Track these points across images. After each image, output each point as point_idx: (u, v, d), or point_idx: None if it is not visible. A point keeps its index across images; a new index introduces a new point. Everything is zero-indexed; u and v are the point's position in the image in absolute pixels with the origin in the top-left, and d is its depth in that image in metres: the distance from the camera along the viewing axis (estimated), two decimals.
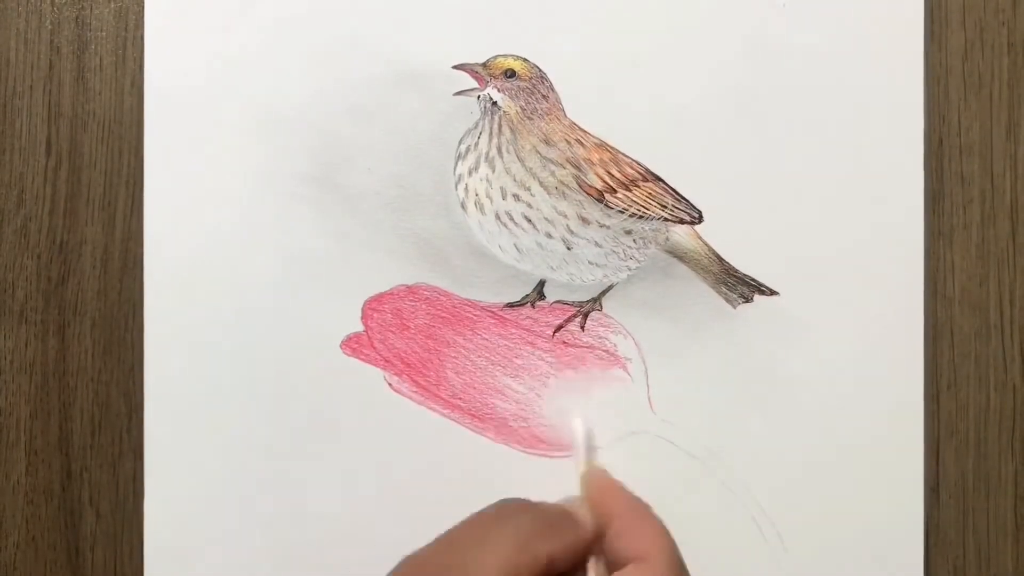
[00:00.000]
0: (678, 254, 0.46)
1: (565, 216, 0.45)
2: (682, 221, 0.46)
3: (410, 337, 0.46)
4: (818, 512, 0.45)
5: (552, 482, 0.45)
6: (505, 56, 0.46)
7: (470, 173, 0.45)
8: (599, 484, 0.42)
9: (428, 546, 0.39)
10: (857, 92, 0.46)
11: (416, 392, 0.46)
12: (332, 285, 0.46)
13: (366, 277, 0.46)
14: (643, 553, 0.39)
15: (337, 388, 0.46)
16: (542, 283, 0.46)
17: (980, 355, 0.46)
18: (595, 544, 0.40)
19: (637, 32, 0.46)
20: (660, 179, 0.46)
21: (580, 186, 0.45)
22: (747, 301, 0.46)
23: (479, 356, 0.46)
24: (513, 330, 0.46)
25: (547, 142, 0.45)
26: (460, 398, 0.46)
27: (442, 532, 0.39)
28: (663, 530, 0.40)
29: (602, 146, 0.46)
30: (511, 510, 0.39)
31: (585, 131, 0.46)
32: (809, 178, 0.46)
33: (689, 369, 0.46)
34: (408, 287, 0.46)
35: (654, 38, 0.46)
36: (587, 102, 0.46)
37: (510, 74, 0.45)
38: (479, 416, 0.46)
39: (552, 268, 0.46)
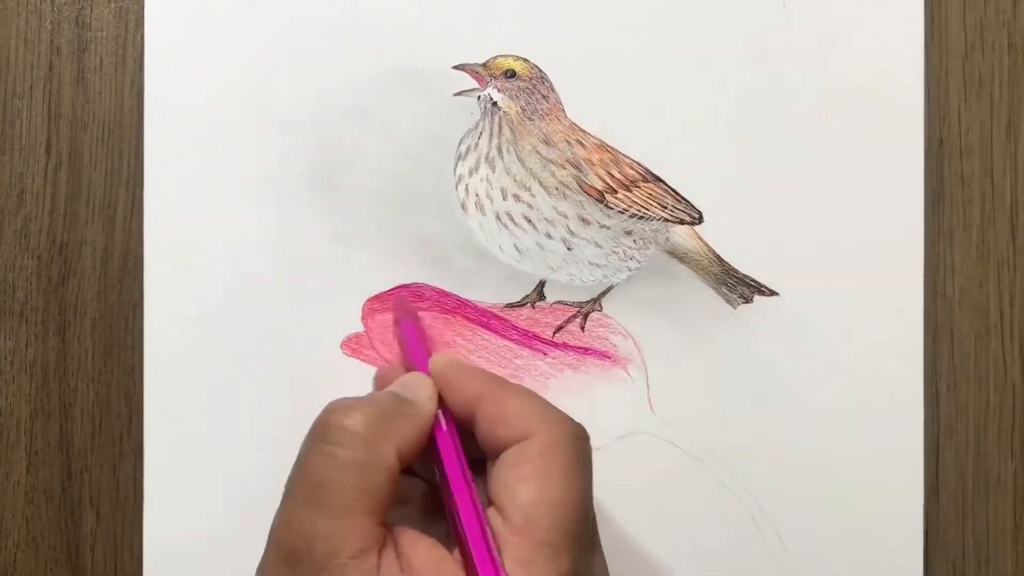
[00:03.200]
0: (678, 255, 0.46)
1: (565, 217, 0.45)
2: (682, 222, 0.46)
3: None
4: (818, 512, 0.45)
5: None
6: (505, 56, 0.46)
7: (470, 173, 0.45)
8: (451, 363, 0.39)
9: (282, 502, 0.35)
10: (857, 92, 0.46)
11: None
12: (332, 285, 0.46)
13: (366, 277, 0.46)
14: (523, 431, 0.35)
15: (337, 388, 0.46)
16: (542, 284, 0.46)
17: (980, 355, 0.46)
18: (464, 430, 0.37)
19: (637, 32, 0.46)
20: (660, 180, 0.46)
21: (580, 187, 0.45)
22: (747, 301, 0.46)
23: (479, 357, 0.46)
24: (513, 331, 0.46)
25: (547, 142, 0.45)
26: None
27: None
28: (544, 402, 0.36)
29: (602, 147, 0.46)
30: (340, 415, 0.35)
31: (585, 131, 0.46)
32: (809, 178, 0.46)
33: (689, 369, 0.46)
34: (408, 287, 0.46)
35: (654, 38, 0.46)
36: (587, 102, 0.46)
37: (510, 74, 0.45)
38: None
39: (552, 269, 0.46)
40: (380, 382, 0.43)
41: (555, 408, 0.36)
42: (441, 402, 0.38)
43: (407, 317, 0.44)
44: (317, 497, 0.34)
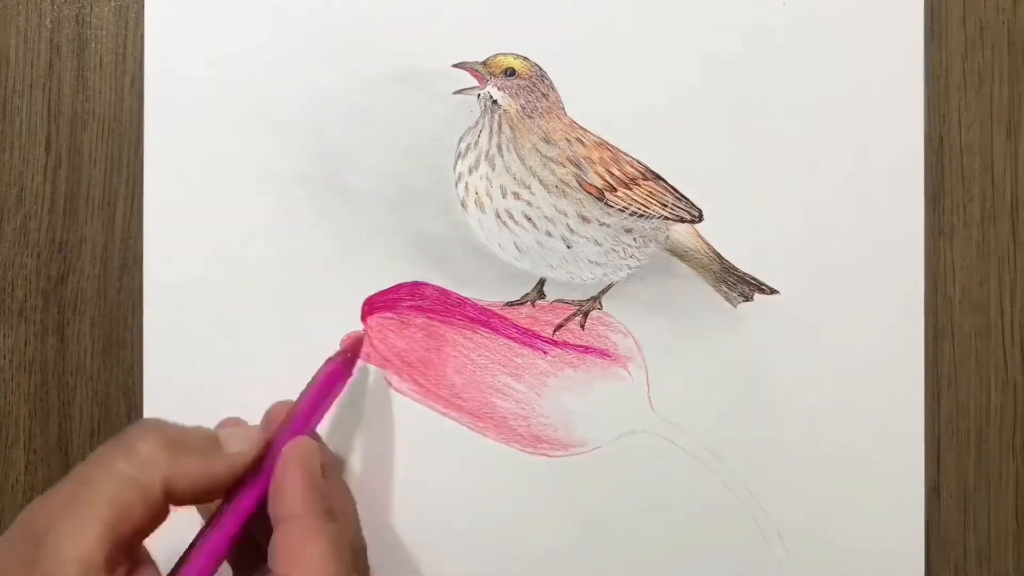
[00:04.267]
0: (678, 253, 0.46)
1: (565, 214, 0.45)
2: (682, 220, 0.46)
3: (410, 336, 0.46)
4: (818, 512, 0.45)
5: (553, 481, 0.45)
6: (505, 55, 0.46)
7: (470, 171, 0.45)
8: (300, 460, 0.38)
9: (61, 481, 0.36)
10: (857, 92, 0.46)
11: (416, 391, 0.46)
12: (332, 285, 0.46)
13: (366, 277, 0.46)
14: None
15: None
16: (542, 282, 0.46)
17: (980, 355, 0.46)
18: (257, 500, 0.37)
19: (637, 31, 0.46)
20: (660, 177, 0.46)
21: (580, 184, 0.45)
22: (747, 300, 0.46)
23: (479, 355, 0.46)
24: (513, 329, 0.46)
25: (547, 140, 0.45)
26: (460, 397, 0.46)
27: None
28: (330, 556, 0.36)
29: (602, 144, 0.46)
30: (137, 431, 0.36)
31: (585, 129, 0.46)
32: (809, 177, 0.46)
33: (689, 368, 0.46)
34: (408, 286, 0.46)
35: (654, 37, 0.46)
36: (587, 101, 0.46)
37: (510, 72, 0.45)
38: (479, 415, 0.46)
39: (552, 267, 0.46)
40: (268, 415, 0.42)
41: (343, 565, 0.36)
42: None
43: (340, 363, 0.43)
44: (75, 490, 0.34)
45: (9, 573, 0.33)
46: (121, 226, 0.47)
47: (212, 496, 0.37)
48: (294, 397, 0.45)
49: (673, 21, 0.46)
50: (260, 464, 0.38)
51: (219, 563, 0.37)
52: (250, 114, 0.46)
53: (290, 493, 0.38)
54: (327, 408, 0.42)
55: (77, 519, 0.34)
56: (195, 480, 0.36)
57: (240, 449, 0.38)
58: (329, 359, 0.43)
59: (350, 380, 0.44)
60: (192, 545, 0.37)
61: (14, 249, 0.47)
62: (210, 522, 0.37)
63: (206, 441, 0.38)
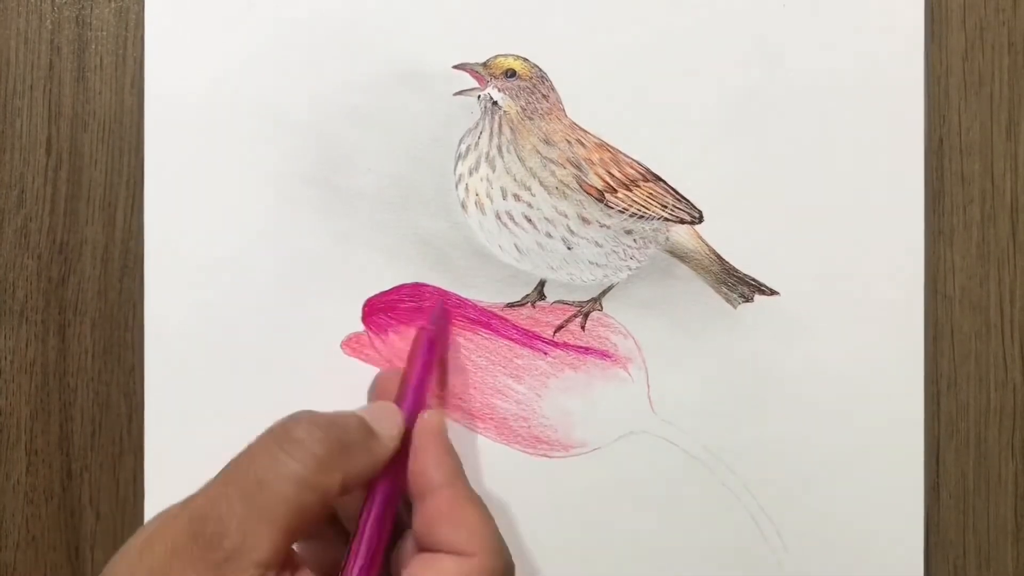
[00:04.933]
0: (678, 254, 0.46)
1: (565, 216, 0.45)
2: (682, 221, 0.46)
3: (410, 337, 0.46)
4: (818, 512, 0.45)
5: (553, 482, 0.46)
6: (505, 56, 0.46)
7: (470, 173, 0.45)
8: (435, 430, 0.39)
9: (214, 478, 0.36)
10: (857, 92, 0.46)
11: None
12: (332, 285, 0.46)
13: (366, 277, 0.46)
14: (465, 547, 0.36)
15: (337, 388, 0.46)
16: (542, 283, 0.46)
17: (980, 355, 0.46)
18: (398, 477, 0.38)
19: (638, 32, 0.46)
20: (660, 179, 0.46)
21: (580, 186, 0.45)
22: (747, 301, 0.46)
23: (479, 356, 0.46)
24: (513, 330, 0.46)
25: (547, 142, 0.45)
26: (460, 398, 0.46)
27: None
28: (492, 526, 0.37)
29: (603, 146, 0.46)
30: (303, 428, 0.35)
31: (585, 131, 0.46)
32: (809, 178, 0.46)
33: (689, 369, 0.46)
34: (408, 287, 0.46)
35: (655, 38, 0.46)
36: (587, 102, 0.46)
37: (511, 74, 0.45)
38: (479, 416, 0.46)
39: (552, 268, 0.46)
40: (378, 388, 0.43)
41: (498, 536, 0.37)
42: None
43: (435, 331, 0.43)
44: (250, 492, 0.34)
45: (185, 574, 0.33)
46: (122, 227, 0.47)
47: (369, 480, 0.37)
48: (294, 397, 0.45)
49: (673, 22, 0.46)
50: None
51: (382, 552, 0.37)
52: (250, 115, 0.46)
53: (434, 465, 0.38)
54: (434, 377, 0.42)
55: (256, 524, 0.33)
56: (363, 472, 0.36)
57: (389, 432, 0.38)
58: (422, 328, 0.43)
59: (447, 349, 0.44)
60: (352, 537, 0.37)
61: (15, 250, 0.47)
62: (362, 513, 0.37)
63: (363, 431, 0.37)
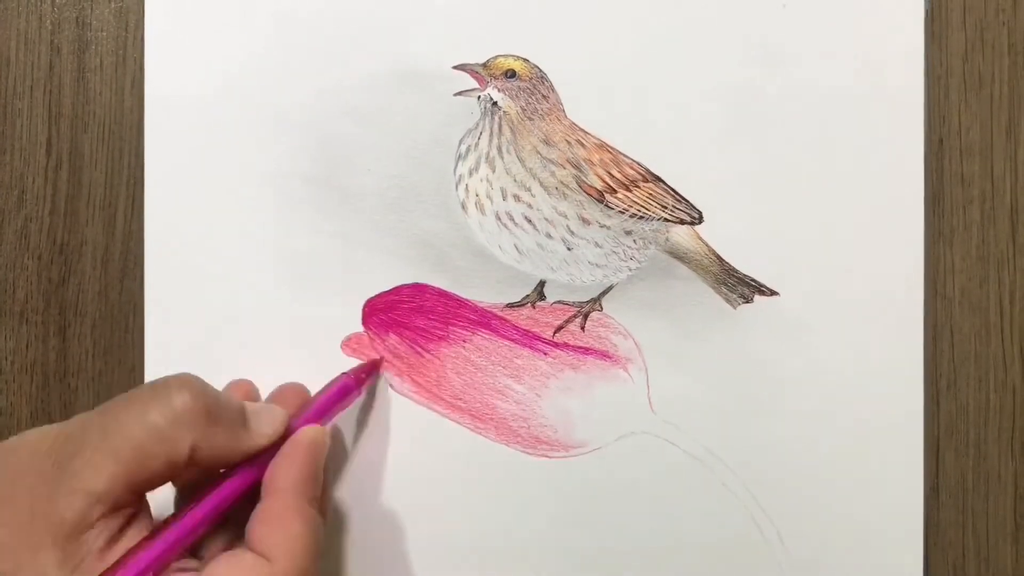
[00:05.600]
0: (678, 254, 0.46)
1: (565, 216, 0.45)
2: (682, 221, 0.46)
3: (410, 337, 0.46)
4: (818, 512, 0.45)
5: (553, 483, 0.46)
6: (505, 56, 0.46)
7: (470, 173, 0.45)
8: (308, 442, 0.39)
9: (92, 410, 0.37)
10: (857, 92, 0.46)
11: (417, 392, 0.46)
12: (332, 285, 0.46)
13: (366, 277, 0.46)
14: (271, 552, 0.36)
15: None
16: (542, 283, 0.46)
17: (980, 355, 0.46)
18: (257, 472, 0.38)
19: (637, 32, 0.46)
20: (660, 179, 0.46)
21: (580, 186, 0.45)
22: (747, 301, 0.46)
23: (479, 356, 0.46)
24: (513, 331, 0.46)
25: (547, 142, 0.45)
26: (460, 398, 0.46)
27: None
28: (310, 545, 0.37)
29: (602, 146, 0.46)
30: (176, 384, 0.36)
31: (585, 131, 0.46)
32: (809, 178, 0.46)
33: (689, 369, 0.46)
34: (408, 287, 0.46)
35: (654, 38, 0.46)
36: (587, 102, 0.46)
37: (510, 74, 0.45)
38: (479, 416, 0.46)
39: (552, 268, 0.46)
40: (273, 397, 0.43)
41: (311, 556, 0.37)
42: None
43: (356, 383, 0.44)
44: (109, 426, 0.35)
45: (29, 483, 0.34)
46: (122, 228, 0.47)
47: (225, 467, 0.38)
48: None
49: (673, 22, 0.46)
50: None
51: (206, 526, 0.37)
52: (250, 115, 0.46)
53: (288, 469, 0.38)
54: (331, 417, 0.43)
55: (99, 454, 0.35)
56: (219, 452, 0.37)
57: (266, 431, 0.39)
58: (344, 373, 0.44)
59: (357, 399, 0.45)
60: (182, 505, 0.38)
61: (15, 251, 0.47)
62: (210, 485, 0.38)
63: (237, 414, 0.38)
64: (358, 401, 0.45)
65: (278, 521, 0.37)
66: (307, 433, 0.40)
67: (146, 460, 0.35)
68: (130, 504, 0.36)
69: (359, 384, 0.44)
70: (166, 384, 0.36)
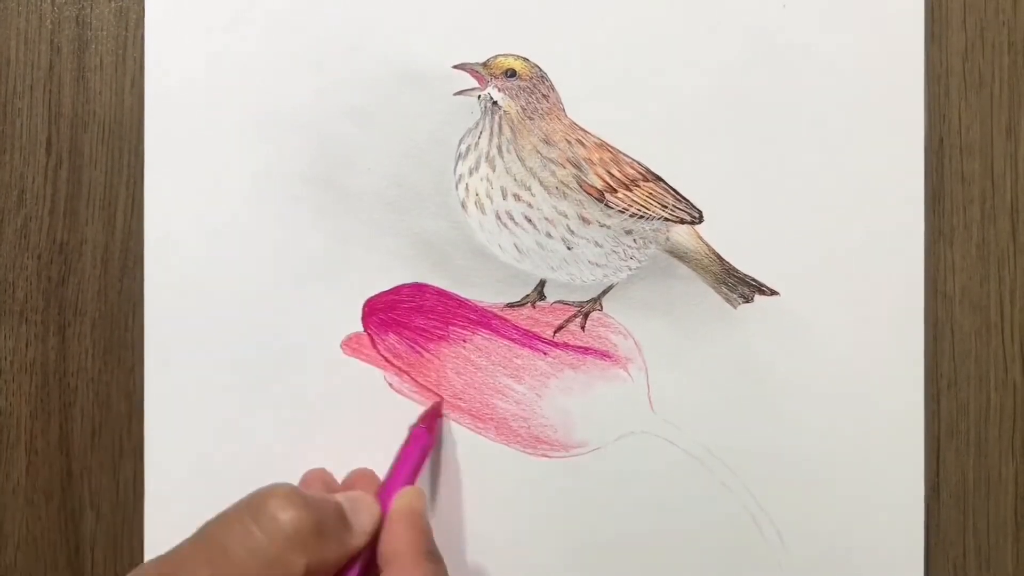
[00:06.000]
0: (678, 254, 0.46)
1: (565, 216, 0.45)
2: (682, 221, 0.46)
3: (410, 337, 0.46)
4: (818, 512, 0.45)
5: (553, 482, 0.46)
6: (505, 56, 0.46)
7: (470, 173, 0.45)
8: (407, 511, 0.40)
9: (186, 540, 0.36)
10: (857, 92, 0.46)
11: (416, 392, 0.46)
12: (332, 285, 0.46)
13: (366, 277, 0.46)
14: None
15: (337, 388, 0.46)
16: (542, 283, 0.46)
17: (980, 355, 0.46)
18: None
19: (637, 32, 0.46)
20: (660, 179, 0.46)
21: (580, 186, 0.45)
22: (747, 301, 0.46)
23: (479, 356, 0.46)
24: (513, 330, 0.46)
25: (547, 142, 0.45)
26: (460, 398, 0.46)
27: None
28: None
29: (602, 146, 0.46)
30: (278, 503, 0.35)
31: (585, 131, 0.46)
32: (809, 178, 0.46)
33: (689, 369, 0.46)
34: (408, 287, 0.46)
35: (654, 38, 0.46)
36: (587, 102, 0.46)
37: (511, 74, 0.45)
38: (479, 416, 0.46)
39: (552, 268, 0.46)
40: (305, 482, 0.43)
41: None
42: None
43: (427, 434, 0.44)
44: (215, 559, 0.34)
45: None
46: (122, 227, 0.47)
47: (334, 573, 0.38)
48: (294, 397, 0.45)
49: (673, 22, 0.46)
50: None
51: None
52: (250, 115, 0.46)
53: (402, 536, 0.38)
54: (419, 473, 0.43)
55: None
56: (332, 563, 0.36)
57: (367, 529, 0.38)
58: (414, 426, 0.44)
59: (434, 446, 0.45)
60: None
61: (15, 250, 0.47)
62: None
63: (338, 519, 0.37)
64: (360, 400, 0.45)
65: None
66: (404, 499, 0.40)
67: None
68: None
69: (431, 432, 0.44)
70: (263, 500, 0.35)
